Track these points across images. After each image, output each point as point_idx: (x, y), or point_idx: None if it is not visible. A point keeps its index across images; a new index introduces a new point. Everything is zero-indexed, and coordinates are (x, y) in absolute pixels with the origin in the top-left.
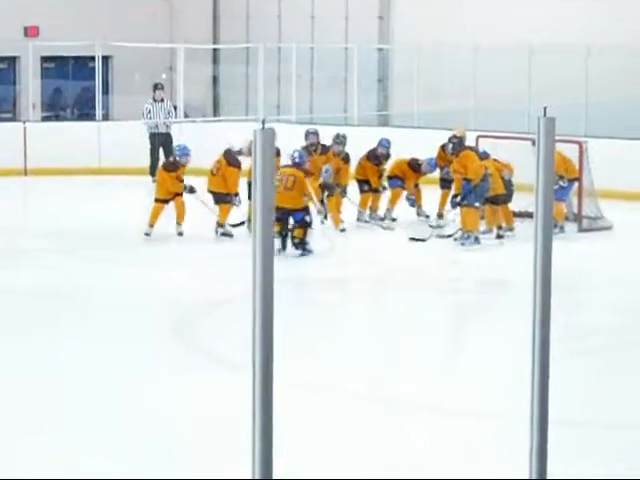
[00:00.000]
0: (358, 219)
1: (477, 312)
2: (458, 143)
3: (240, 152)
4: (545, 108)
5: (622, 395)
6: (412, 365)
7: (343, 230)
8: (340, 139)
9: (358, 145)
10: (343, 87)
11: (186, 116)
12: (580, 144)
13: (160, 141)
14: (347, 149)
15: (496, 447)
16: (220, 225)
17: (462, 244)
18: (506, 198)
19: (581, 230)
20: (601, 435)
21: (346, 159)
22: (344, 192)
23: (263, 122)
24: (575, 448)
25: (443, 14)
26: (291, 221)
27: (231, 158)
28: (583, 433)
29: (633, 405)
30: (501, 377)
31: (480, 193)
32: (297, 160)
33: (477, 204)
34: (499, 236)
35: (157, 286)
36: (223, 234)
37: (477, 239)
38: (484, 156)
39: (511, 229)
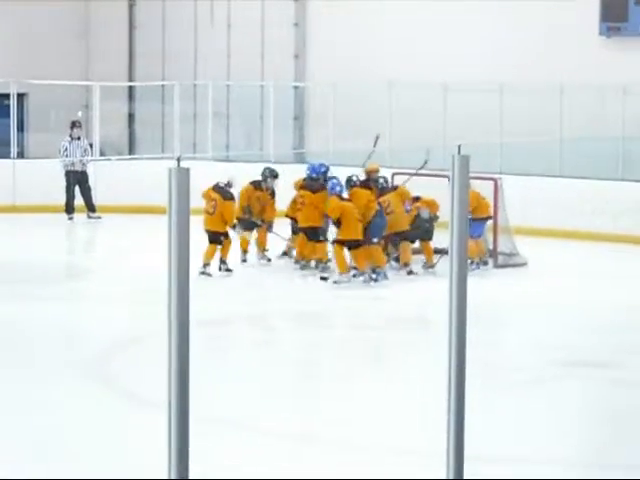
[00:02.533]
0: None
1: (391, 349)
2: (357, 181)
3: (230, 184)
4: (459, 146)
5: (541, 430)
6: (325, 402)
7: (269, 260)
8: (275, 173)
9: (276, 182)
10: (259, 125)
11: (102, 154)
12: (495, 181)
13: (76, 179)
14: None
15: None
16: (223, 261)
17: (373, 280)
18: (419, 234)
19: (497, 266)
20: (518, 471)
21: (272, 194)
22: (270, 227)
23: (178, 160)
24: None
25: (358, 52)
26: None
27: (225, 193)
28: (499, 469)
29: (550, 441)
30: (418, 413)
31: (375, 230)
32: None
33: (375, 240)
34: (410, 272)
35: (78, 322)
36: (227, 270)
37: (371, 277)
38: (385, 190)
39: (432, 266)
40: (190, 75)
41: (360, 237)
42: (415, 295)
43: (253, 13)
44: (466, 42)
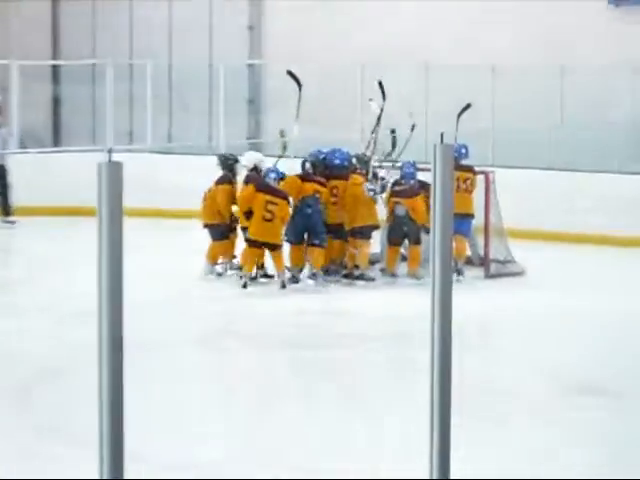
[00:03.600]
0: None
1: (360, 374)
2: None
3: (255, 169)
4: (442, 134)
5: (525, 456)
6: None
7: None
8: None
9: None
10: (207, 110)
11: (21, 146)
12: (486, 175)
13: None
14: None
15: None
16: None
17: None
18: (397, 234)
19: (488, 276)
20: None
21: None
22: None
23: (110, 153)
24: None
25: (325, 24)
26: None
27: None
28: None
29: (537, 466)
30: (400, 437)
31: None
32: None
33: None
34: (356, 277)
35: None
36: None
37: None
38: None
39: (415, 276)
40: (125, 53)
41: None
42: (383, 308)
43: None
44: (451, 17)
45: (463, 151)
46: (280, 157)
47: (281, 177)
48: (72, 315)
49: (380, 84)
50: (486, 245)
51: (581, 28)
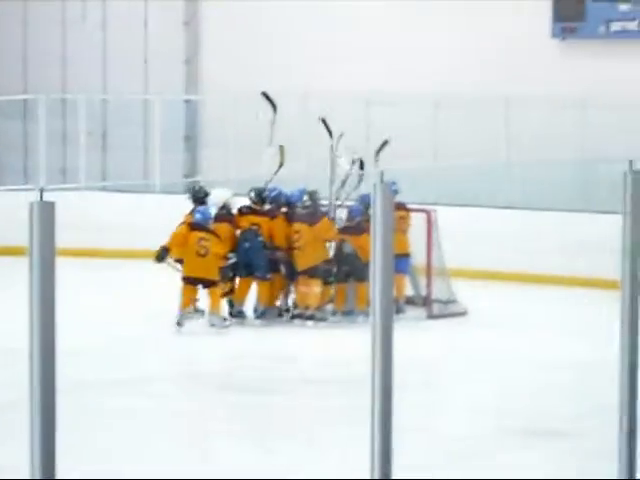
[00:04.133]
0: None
1: (302, 418)
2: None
3: (224, 207)
4: (382, 172)
5: None
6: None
7: None
8: None
9: (160, 217)
10: (142, 147)
11: None
12: (428, 213)
13: None
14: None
15: None
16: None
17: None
18: (345, 271)
19: (431, 316)
20: None
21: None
22: None
23: (41, 192)
24: None
25: (263, 57)
26: None
27: (219, 216)
28: None
29: None
30: None
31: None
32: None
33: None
34: (307, 317)
35: None
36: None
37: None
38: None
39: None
40: (57, 87)
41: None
42: (324, 350)
43: (134, 9)
44: (394, 47)
45: (393, 188)
46: (273, 175)
47: (216, 219)
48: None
49: (324, 121)
50: (428, 285)
51: (527, 61)
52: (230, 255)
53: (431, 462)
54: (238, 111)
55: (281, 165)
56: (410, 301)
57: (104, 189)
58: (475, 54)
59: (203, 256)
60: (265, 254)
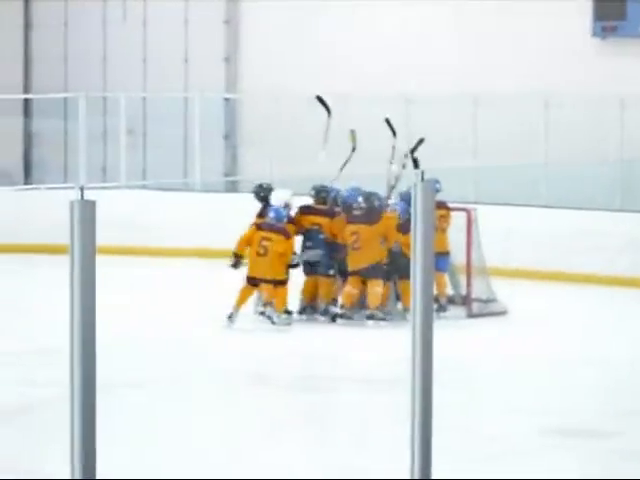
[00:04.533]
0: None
1: (337, 415)
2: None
3: (287, 207)
4: (422, 171)
5: None
6: None
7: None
8: None
9: (202, 215)
10: (183, 145)
11: None
12: (468, 212)
13: None
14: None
15: None
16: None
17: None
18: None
19: (470, 315)
20: None
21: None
22: None
23: (82, 190)
24: None
25: (302, 57)
26: None
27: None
28: None
29: None
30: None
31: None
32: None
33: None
34: (335, 316)
35: None
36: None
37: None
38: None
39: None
40: (99, 85)
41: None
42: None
43: (174, 9)
44: (432, 48)
45: (436, 186)
46: (346, 162)
47: (287, 219)
48: (42, 351)
49: (388, 121)
50: (468, 284)
51: (566, 60)
52: (294, 256)
53: (469, 462)
54: (276, 109)
55: (354, 150)
56: (450, 300)
57: (144, 187)
58: (516, 53)
59: (263, 255)
60: (327, 252)
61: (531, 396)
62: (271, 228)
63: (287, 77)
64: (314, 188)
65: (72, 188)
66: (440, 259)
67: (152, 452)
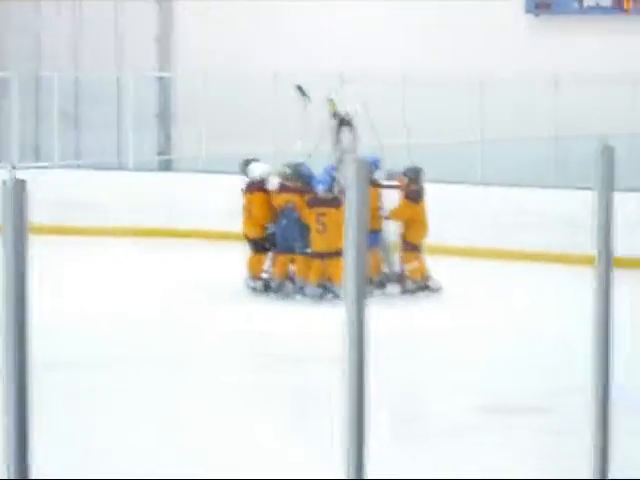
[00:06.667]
0: None
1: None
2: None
3: (261, 179)
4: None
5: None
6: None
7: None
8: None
9: (135, 193)
10: (116, 124)
11: None
12: (402, 186)
13: None
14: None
15: None
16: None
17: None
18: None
19: (405, 292)
20: None
21: None
22: None
23: (13, 170)
24: None
25: (236, 34)
26: None
27: (252, 186)
28: None
29: None
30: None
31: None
32: None
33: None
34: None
35: None
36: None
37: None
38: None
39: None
40: (31, 65)
41: None
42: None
43: None
44: (364, 26)
45: (377, 164)
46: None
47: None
48: None
49: (299, 88)
50: (402, 262)
51: (499, 37)
52: (268, 225)
53: (408, 440)
54: (210, 88)
55: (335, 115)
56: (386, 277)
57: (78, 167)
58: (448, 30)
59: (322, 232)
60: (302, 230)
61: (468, 373)
62: (323, 203)
63: (220, 56)
64: (290, 165)
65: (4, 168)
66: (371, 236)
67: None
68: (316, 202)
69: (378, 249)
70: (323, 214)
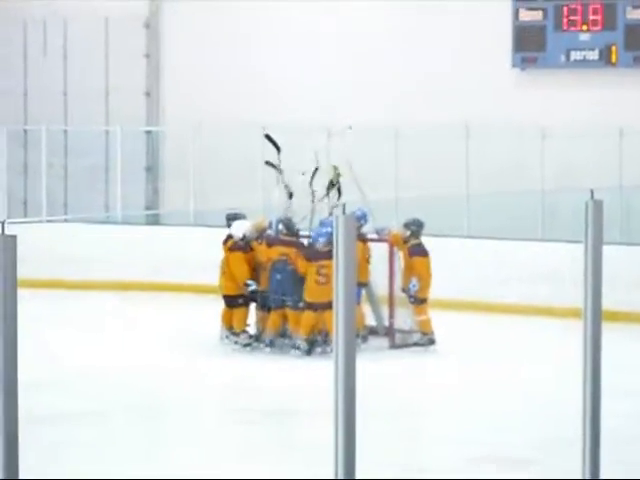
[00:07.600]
0: None
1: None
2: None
3: (244, 238)
4: (344, 205)
5: None
6: None
7: None
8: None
9: (123, 248)
10: (104, 178)
11: None
12: (390, 243)
13: None
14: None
15: None
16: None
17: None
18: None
19: (393, 346)
20: None
21: None
22: None
23: (3, 225)
24: None
25: (224, 89)
26: None
27: (233, 245)
28: None
29: None
30: None
31: None
32: None
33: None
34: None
35: None
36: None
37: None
38: None
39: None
40: (19, 118)
41: None
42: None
43: (95, 40)
44: (353, 79)
45: (365, 218)
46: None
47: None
48: None
49: (268, 137)
50: (390, 315)
51: (486, 91)
52: (249, 282)
53: None
54: (198, 142)
55: (333, 185)
56: (373, 331)
57: (66, 221)
58: (435, 84)
59: (324, 284)
60: (296, 284)
61: (456, 426)
62: (323, 256)
63: (209, 110)
64: (282, 221)
65: None
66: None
67: None
68: (316, 255)
69: (363, 303)
70: (324, 266)
